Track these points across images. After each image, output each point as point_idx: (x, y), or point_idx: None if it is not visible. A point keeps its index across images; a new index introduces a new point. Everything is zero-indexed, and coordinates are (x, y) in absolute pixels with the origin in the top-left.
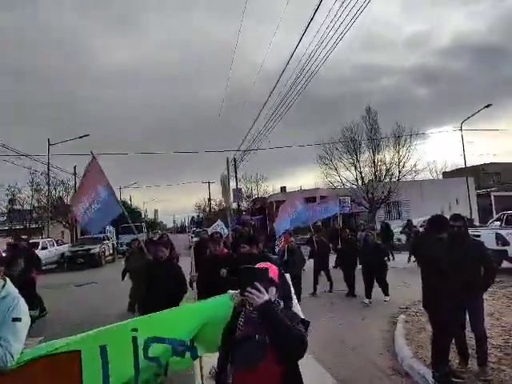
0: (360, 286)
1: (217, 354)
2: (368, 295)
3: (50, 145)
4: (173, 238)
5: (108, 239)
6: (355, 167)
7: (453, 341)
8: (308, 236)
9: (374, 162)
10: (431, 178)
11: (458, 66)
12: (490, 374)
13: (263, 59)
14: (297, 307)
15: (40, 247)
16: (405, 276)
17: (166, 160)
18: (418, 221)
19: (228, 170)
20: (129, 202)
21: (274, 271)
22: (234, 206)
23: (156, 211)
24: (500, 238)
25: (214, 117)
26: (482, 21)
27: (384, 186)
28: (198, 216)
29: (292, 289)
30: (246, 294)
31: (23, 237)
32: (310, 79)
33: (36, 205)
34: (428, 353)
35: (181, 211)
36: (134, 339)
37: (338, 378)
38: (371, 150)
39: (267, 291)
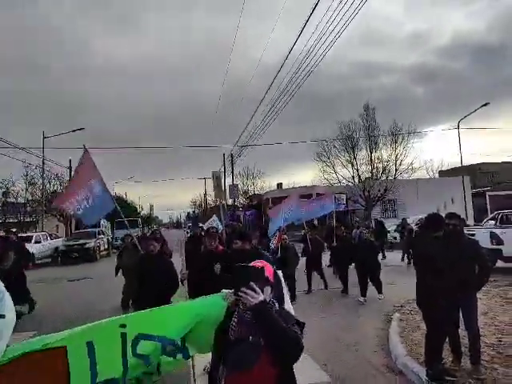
0: (354, 284)
1: (210, 354)
2: (363, 293)
3: (44, 138)
4: (166, 234)
5: (103, 234)
6: (352, 165)
7: (446, 339)
8: (302, 233)
9: (371, 159)
10: (428, 176)
11: (457, 65)
12: (483, 373)
13: (261, 55)
14: (289, 305)
15: (33, 241)
16: (399, 274)
17: (162, 155)
18: (413, 219)
19: (224, 166)
20: (124, 197)
21: (269, 270)
22: (230, 202)
23: (152, 206)
24: (494, 237)
25: (212, 113)
26: (482, 20)
27: (380, 184)
28: (194, 212)
29: (285, 288)
30: (241, 294)
31: (13, 230)
32: (308, 75)
33: (30, 198)
34: (422, 351)
35: (177, 207)
36: (123, 335)
37: (332, 376)
38: (368, 148)
39: (262, 291)
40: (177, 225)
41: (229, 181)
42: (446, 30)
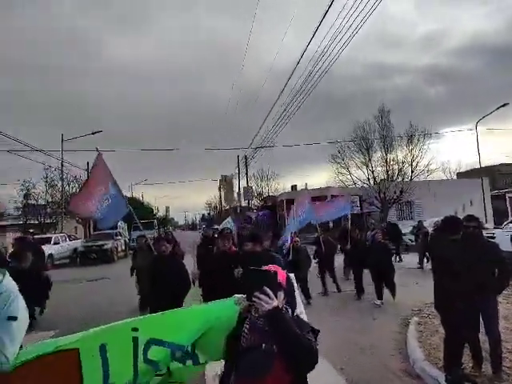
0: (369, 287)
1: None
2: (379, 296)
3: (63, 141)
4: (179, 235)
5: (120, 235)
6: (367, 166)
7: (466, 344)
8: (315, 236)
9: (386, 161)
10: (445, 178)
11: (473, 65)
12: (506, 380)
13: (274, 58)
14: (301, 309)
15: (52, 242)
16: (416, 277)
17: (178, 158)
18: (429, 222)
19: (239, 168)
20: (141, 199)
21: (282, 275)
22: (244, 203)
23: (167, 208)
24: None
25: (226, 115)
26: (498, 20)
27: (396, 186)
28: (209, 213)
29: (298, 292)
30: (254, 299)
31: (30, 230)
32: (323, 76)
33: (50, 200)
34: (441, 355)
35: (192, 209)
36: (135, 339)
37: (348, 379)
38: (383, 149)
39: (276, 297)
40: (192, 226)
41: (243, 183)
42: (462, 30)
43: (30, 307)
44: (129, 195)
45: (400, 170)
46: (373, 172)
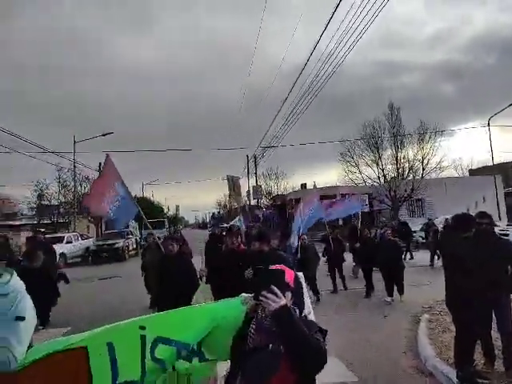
0: (379, 285)
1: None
2: (389, 293)
3: (75, 142)
4: (188, 233)
5: (132, 234)
6: (377, 164)
7: (478, 341)
8: (324, 233)
9: (396, 158)
10: (457, 175)
11: (485, 61)
12: None
13: (283, 54)
14: (309, 309)
15: (65, 241)
16: (427, 275)
17: (187, 157)
18: (440, 219)
19: (248, 167)
20: (151, 198)
21: (289, 274)
22: (254, 202)
23: (178, 207)
24: None
25: (233, 115)
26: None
27: (407, 184)
28: (219, 212)
29: (306, 291)
30: (261, 298)
31: (41, 230)
32: (332, 75)
33: (63, 200)
34: (452, 353)
35: (202, 207)
36: (143, 337)
37: (360, 377)
38: (394, 147)
39: (283, 296)
40: (202, 225)
41: (252, 182)
42: (472, 26)
43: (42, 306)
44: (140, 195)
45: (411, 168)
46: (383, 170)
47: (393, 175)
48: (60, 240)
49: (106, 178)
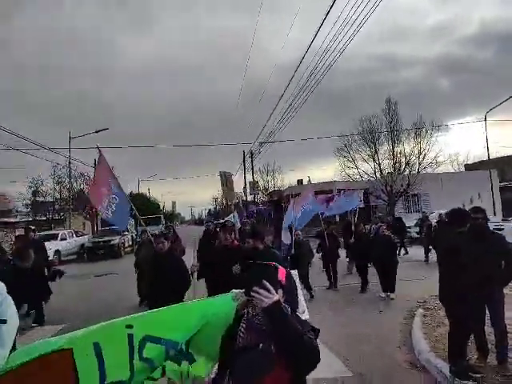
0: (374, 280)
1: None
2: (384, 289)
3: (70, 138)
4: (184, 230)
5: (127, 231)
6: (374, 159)
7: (472, 336)
8: (319, 229)
9: (393, 153)
10: (453, 170)
11: (482, 56)
12: (511, 370)
13: (280, 51)
14: (303, 308)
15: (59, 238)
16: (421, 269)
17: (183, 153)
18: (436, 214)
19: (244, 163)
20: (147, 195)
21: (282, 272)
22: (250, 198)
23: (174, 203)
24: None
25: (230, 111)
26: (510, 8)
27: (403, 179)
28: (215, 208)
29: (299, 289)
30: (253, 293)
31: (31, 227)
32: (329, 68)
33: (58, 197)
34: (446, 347)
35: (199, 204)
36: (130, 336)
37: (354, 371)
38: (391, 142)
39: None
40: (198, 221)
41: (249, 177)
42: (470, 20)
43: (35, 304)
44: (136, 191)
45: (407, 163)
46: (379, 165)
47: (389, 170)
48: (54, 237)
49: (99, 174)
